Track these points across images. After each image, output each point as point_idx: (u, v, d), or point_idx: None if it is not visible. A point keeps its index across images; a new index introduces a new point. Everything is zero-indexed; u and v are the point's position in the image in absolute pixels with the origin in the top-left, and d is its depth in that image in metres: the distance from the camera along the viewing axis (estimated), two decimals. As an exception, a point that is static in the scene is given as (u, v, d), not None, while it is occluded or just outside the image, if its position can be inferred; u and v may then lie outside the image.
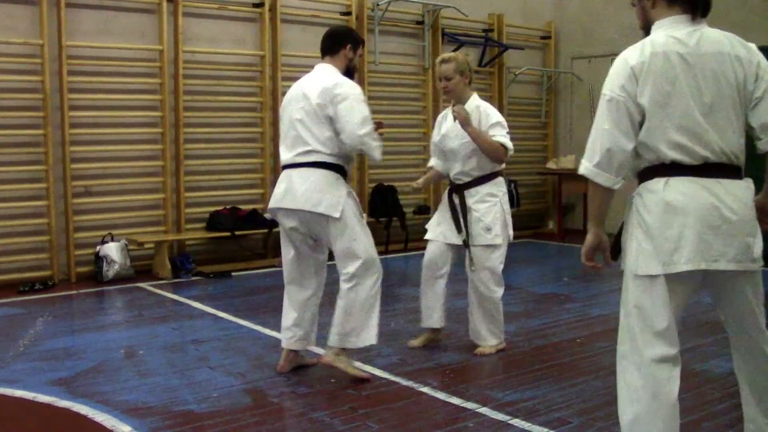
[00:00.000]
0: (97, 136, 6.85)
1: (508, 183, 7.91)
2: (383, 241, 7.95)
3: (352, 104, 3.79)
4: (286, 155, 3.92)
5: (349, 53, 4.01)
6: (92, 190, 6.86)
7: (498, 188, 4.36)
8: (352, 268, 3.82)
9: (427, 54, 8.89)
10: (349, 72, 4.00)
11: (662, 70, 2.39)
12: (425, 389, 3.79)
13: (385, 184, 8.48)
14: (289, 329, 4.02)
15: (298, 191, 3.80)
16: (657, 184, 2.43)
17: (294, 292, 4.03)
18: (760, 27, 7.50)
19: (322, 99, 3.79)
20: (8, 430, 3.39)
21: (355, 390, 3.77)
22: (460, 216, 4.32)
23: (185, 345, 4.69)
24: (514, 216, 4.59)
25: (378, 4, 8.30)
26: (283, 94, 4.18)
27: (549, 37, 10.19)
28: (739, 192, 2.42)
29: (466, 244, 4.31)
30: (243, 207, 7.50)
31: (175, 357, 4.40)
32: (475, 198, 4.32)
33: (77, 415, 3.48)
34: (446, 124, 4.41)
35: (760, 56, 2.48)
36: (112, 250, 6.62)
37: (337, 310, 3.88)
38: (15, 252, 6.50)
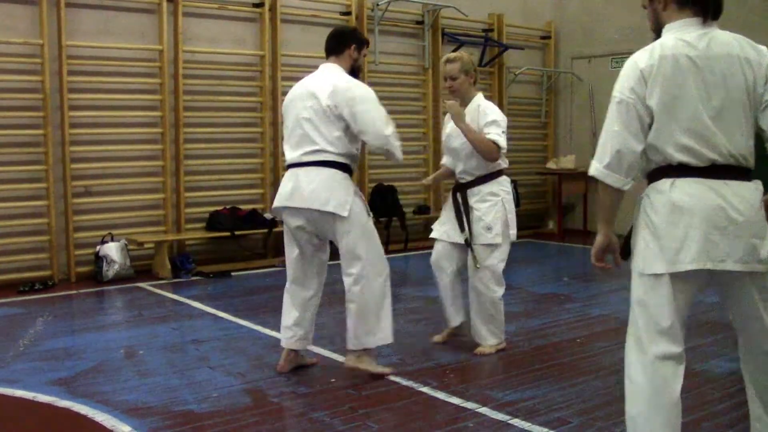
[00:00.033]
0: (97, 136, 6.85)
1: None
2: (383, 241, 7.80)
3: (373, 106, 3.82)
4: (291, 154, 3.90)
5: (354, 53, 4.00)
6: (92, 190, 6.86)
7: (500, 187, 4.35)
8: (357, 268, 3.82)
9: (427, 54, 8.88)
10: (354, 72, 3.99)
11: (671, 73, 2.40)
12: (425, 389, 3.79)
13: (385, 184, 8.48)
14: (290, 328, 4.02)
15: (306, 190, 3.79)
16: (664, 184, 2.45)
17: (296, 292, 4.03)
18: (760, 27, 7.49)
19: (335, 100, 3.78)
20: (8, 430, 3.39)
21: (355, 390, 3.77)
22: (463, 215, 4.33)
23: (185, 345, 4.69)
24: (513, 216, 4.59)
25: (378, 4, 8.29)
26: (283, 94, 4.17)
27: (549, 37, 10.18)
28: (747, 193, 2.43)
29: (468, 243, 4.32)
30: (243, 207, 7.50)
31: (175, 357, 4.40)
32: (476, 197, 4.32)
33: (77, 415, 3.48)
34: (451, 123, 4.42)
35: None
36: (112, 250, 6.62)
37: (349, 313, 3.88)
38: (15, 252, 6.50)
